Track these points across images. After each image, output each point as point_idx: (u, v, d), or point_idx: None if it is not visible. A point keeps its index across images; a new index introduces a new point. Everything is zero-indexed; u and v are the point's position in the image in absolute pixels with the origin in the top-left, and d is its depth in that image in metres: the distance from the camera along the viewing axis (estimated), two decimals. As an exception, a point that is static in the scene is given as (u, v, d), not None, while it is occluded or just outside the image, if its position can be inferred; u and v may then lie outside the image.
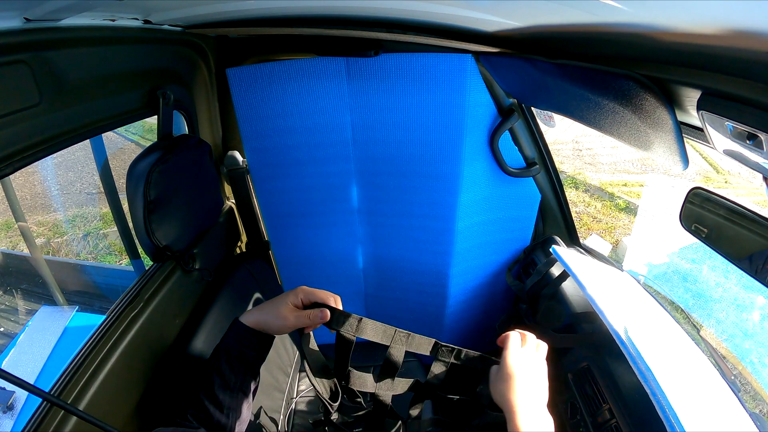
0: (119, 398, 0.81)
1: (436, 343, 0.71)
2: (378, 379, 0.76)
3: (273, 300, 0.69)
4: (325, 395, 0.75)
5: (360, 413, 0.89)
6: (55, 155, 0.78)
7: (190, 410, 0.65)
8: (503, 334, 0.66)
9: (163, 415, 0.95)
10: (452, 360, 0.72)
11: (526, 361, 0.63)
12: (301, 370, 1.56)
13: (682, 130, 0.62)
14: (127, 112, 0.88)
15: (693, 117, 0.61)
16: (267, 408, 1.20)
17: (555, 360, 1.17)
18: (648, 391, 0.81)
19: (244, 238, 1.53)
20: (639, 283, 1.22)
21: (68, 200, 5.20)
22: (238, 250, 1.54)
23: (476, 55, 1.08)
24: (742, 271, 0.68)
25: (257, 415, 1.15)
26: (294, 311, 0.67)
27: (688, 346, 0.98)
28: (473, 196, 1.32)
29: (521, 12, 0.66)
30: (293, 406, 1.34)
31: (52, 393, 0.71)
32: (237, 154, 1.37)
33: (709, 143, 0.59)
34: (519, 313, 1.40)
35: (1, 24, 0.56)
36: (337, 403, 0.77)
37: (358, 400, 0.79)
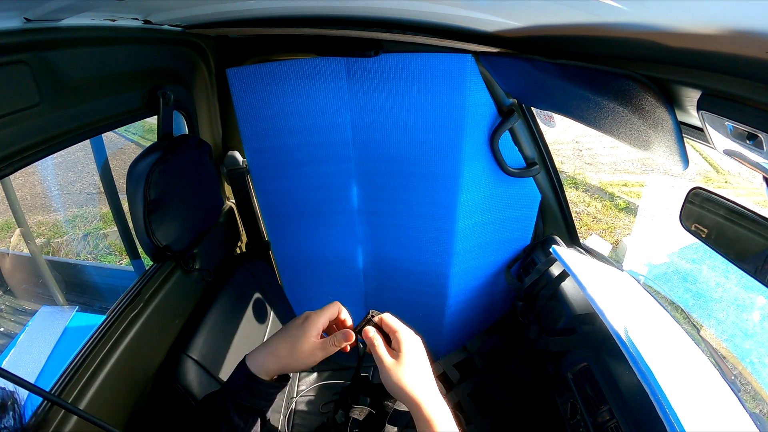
0: (119, 398, 0.82)
1: None
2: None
3: (286, 336, 0.62)
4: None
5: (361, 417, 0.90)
6: (55, 155, 0.78)
7: None
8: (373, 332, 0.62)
9: (163, 415, 0.95)
10: None
11: (420, 347, 0.62)
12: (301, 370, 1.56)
13: (682, 130, 0.62)
14: (127, 112, 0.88)
15: (693, 117, 0.61)
16: (267, 408, 1.20)
17: (554, 361, 1.18)
18: (648, 391, 0.81)
19: (244, 238, 1.53)
20: (639, 283, 1.22)
21: (68, 200, 5.20)
22: (238, 250, 1.54)
23: (476, 55, 1.08)
24: (742, 271, 0.68)
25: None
26: (319, 344, 0.61)
27: (688, 346, 0.98)
28: (473, 196, 1.32)
29: (521, 12, 0.66)
30: (293, 406, 1.35)
31: (52, 393, 0.71)
32: (237, 154, 1.37)
33: (709, 143, 0.59)
34: (515, 311, 1.40)
35: (1, 24, 0.56)
36: None
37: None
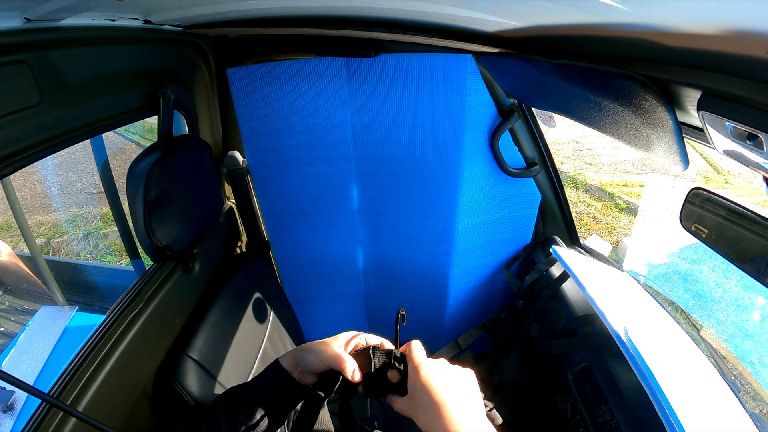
0: (119, 398, 0.81)
1: None
2: None
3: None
4: None
5: None
6: (55, 155, 0.78)
7: (204, 426, 0.62)
8: (405, 347, 0.57)
9: (162, 417, 0.95)
10: None
11: (446, 371, 0.54)
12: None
13: (682, 130, 0.62)
14: (127, 112, 0.88)
15: (693, 117, 0.61)
16: (267, 408, 1.20)
17: (555, 361, 1.18)
18: (648, 391, 0.81)
19: (244, 238, 1.53)
20: (639, 283, 1.22)
21: (68, 200, 5.20)
22: (238, 250, 1.54)
23: (476, 55, 1.08)
24: (742, 272, 0.68)
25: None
26: (338, 346, 0.61)
27: (688, 347, 0.97)
28: (473, 196, 1.32)
29: (521, 12, 0.66)
30: (293, 406, 1.34)
31: (51, 393, 0.71)
32: (237, 154, 1.37)
33: (709, 143, 0.59)
34: (515, 309, 1.40)
35: (1, 24, 0.56)
36: None
37: None
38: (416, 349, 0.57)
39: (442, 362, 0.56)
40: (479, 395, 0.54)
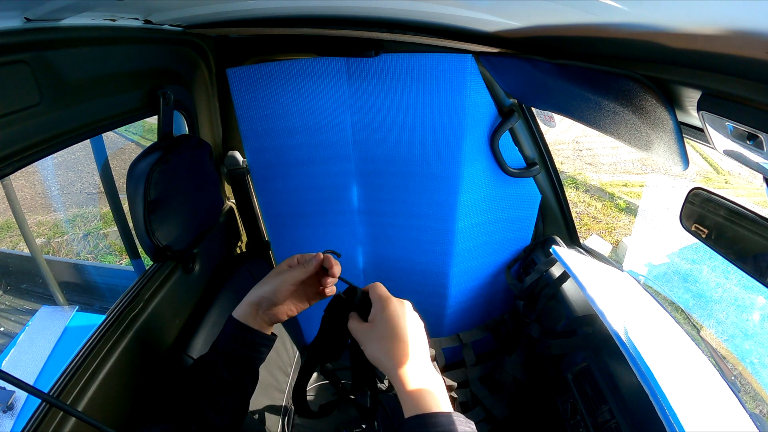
0: (119, 398, 0.81)
1: None
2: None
3: (268, 274, 0.69)
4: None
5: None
6: (55, 155, 0.78)
7: (185, 409, 0.62)
8: (372, 291, 0.62)
9: (159, 414, 0.95)
10: None
11: (409, 312, 0.60)
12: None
13: (683, 130, 0.62)
14: (127, 112, 0.88)
15: (693, 117, 0.61)
16: (267, 408, 1.20)
17: (555, 361, 1.18)
18: (648, 391, 0.81)
19: (244, 238, 1.53)
20: (639, 283, 1.22)
21: (68, 200, 5.21)
22: (238, 250, 1.54)
23: (476, 55, 1.08)
24: (742, 272, 0.68)
25: (257, 415, 1.15)
26: (293, 268, 0.67)
27: (688, 347, 0.98)
28: (473, 196, 1.32)
29: (521, 12, 0.66)
30: (293, 406, 1.34)
31: (51, 393, 0.71)
32: (237, 154, 1.37)
33: (709, 143, 0.59)
34: (516, 310, 1.40)
35: (1, 24, 0.56)
36: None
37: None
38: (381, 286, 0.63)
39: (407, 303, 0.62)
40: (426, 342, 0.59)
